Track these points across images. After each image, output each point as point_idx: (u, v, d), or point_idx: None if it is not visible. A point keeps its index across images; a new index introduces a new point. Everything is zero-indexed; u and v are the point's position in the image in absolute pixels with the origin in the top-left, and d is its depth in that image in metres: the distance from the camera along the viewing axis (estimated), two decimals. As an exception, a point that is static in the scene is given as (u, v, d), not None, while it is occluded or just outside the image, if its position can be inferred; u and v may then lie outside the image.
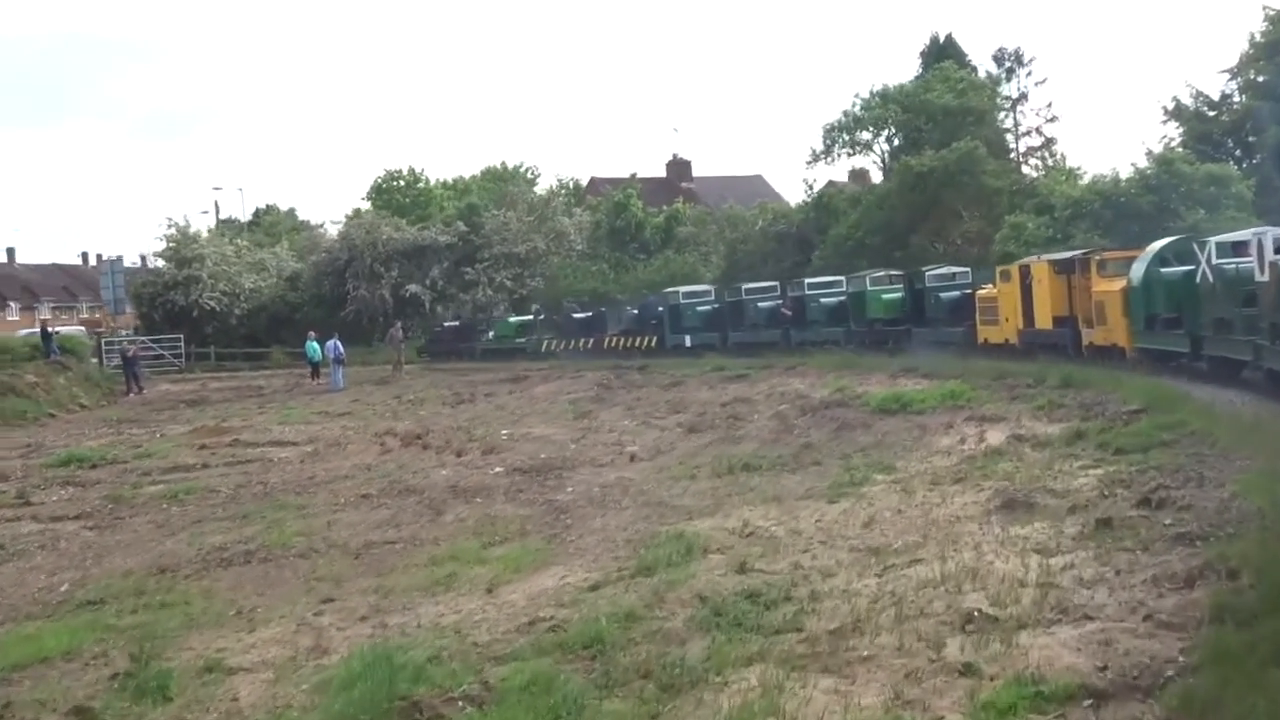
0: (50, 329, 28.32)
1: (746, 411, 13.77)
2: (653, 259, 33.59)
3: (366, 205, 44.79)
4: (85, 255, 64.61)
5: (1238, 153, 26.64)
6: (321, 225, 47.73)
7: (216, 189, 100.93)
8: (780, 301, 24.38)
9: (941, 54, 32.93)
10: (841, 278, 23.47)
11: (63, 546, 8.60)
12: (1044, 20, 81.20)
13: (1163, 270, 13.58)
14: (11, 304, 58.01)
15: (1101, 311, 14.91)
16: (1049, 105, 32.56)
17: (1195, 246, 12.90)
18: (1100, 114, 72.17)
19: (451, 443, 13.14)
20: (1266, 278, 10.20)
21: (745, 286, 26.18)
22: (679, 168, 47.33)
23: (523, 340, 30.31)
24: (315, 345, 27.05)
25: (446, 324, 33.66)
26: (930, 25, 77.01)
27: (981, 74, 32.38)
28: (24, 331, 36.33)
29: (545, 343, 29.16)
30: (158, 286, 37.06)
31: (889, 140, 32.36)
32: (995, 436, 9.60)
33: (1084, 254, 16.38)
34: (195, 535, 8.55)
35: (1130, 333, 14.07)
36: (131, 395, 26.46)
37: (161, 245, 38.07)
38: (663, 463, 10.46)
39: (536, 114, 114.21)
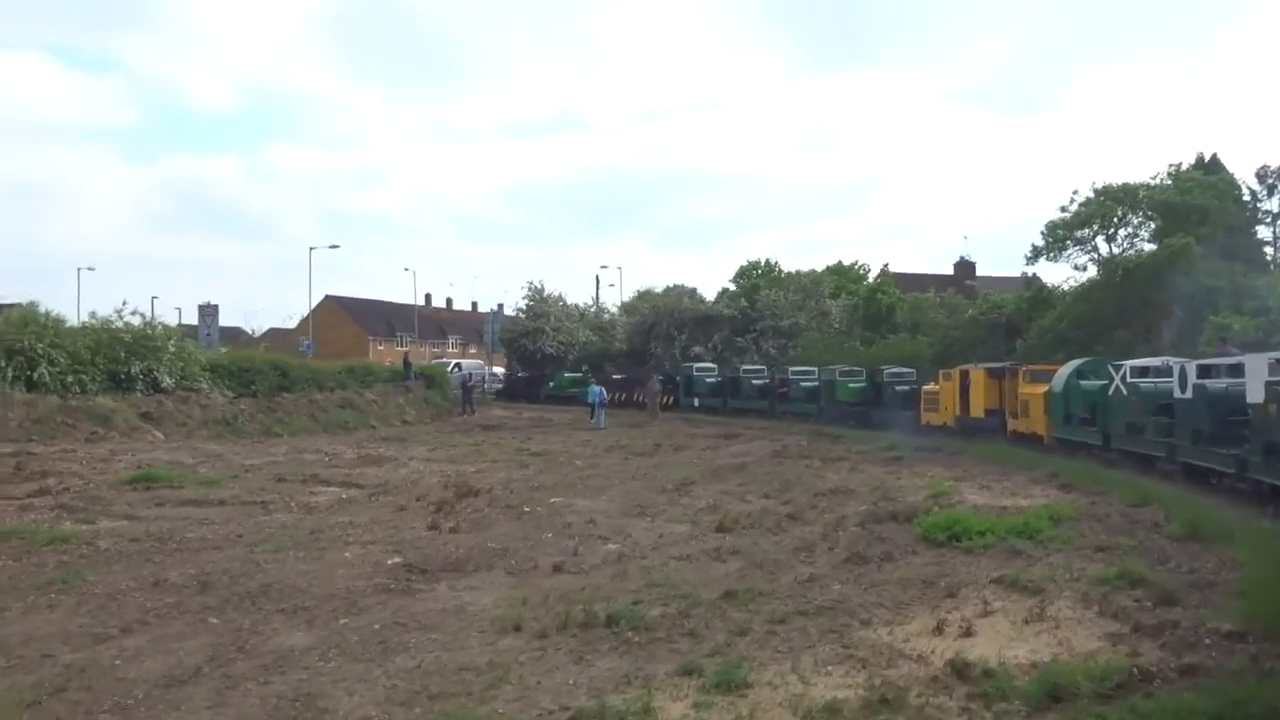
0: (409, 359, 38.78)
1: (830, 505, 12.62)
2: (894, 338, 37.05)
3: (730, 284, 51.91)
4: (474, 304, 79.59)
5: None
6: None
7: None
8: (768, 380, 32.23)
9: (1209, 170, 33.15)
10: (815, 368, 31.14)
11: None
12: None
13: (1080, 381, 17.77)
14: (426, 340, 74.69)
15: (1026, 407, 19.77)
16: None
17: (1110, 367, 17.11)
18: None
19: (463, 505, 12.64)
20: (1189, 395, 13.65)
21: (743, 367, 35.27)
22: (965, 268, 51.55)
23: (575, 390, 38.80)
24: (595, 389, 34.81)
25: (519, 374, 43.26)
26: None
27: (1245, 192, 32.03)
28: (438, 362, 48.61)
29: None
30: (515, 333, 47.89)
31: (1109, 239, 33.12)
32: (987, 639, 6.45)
33: (1012, 365, 21.81)
34: None
35: (1049, 425, 18.64)
36: (465, 416, 35.96)
37: (522, 301, 49.02)
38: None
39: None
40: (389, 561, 9.28)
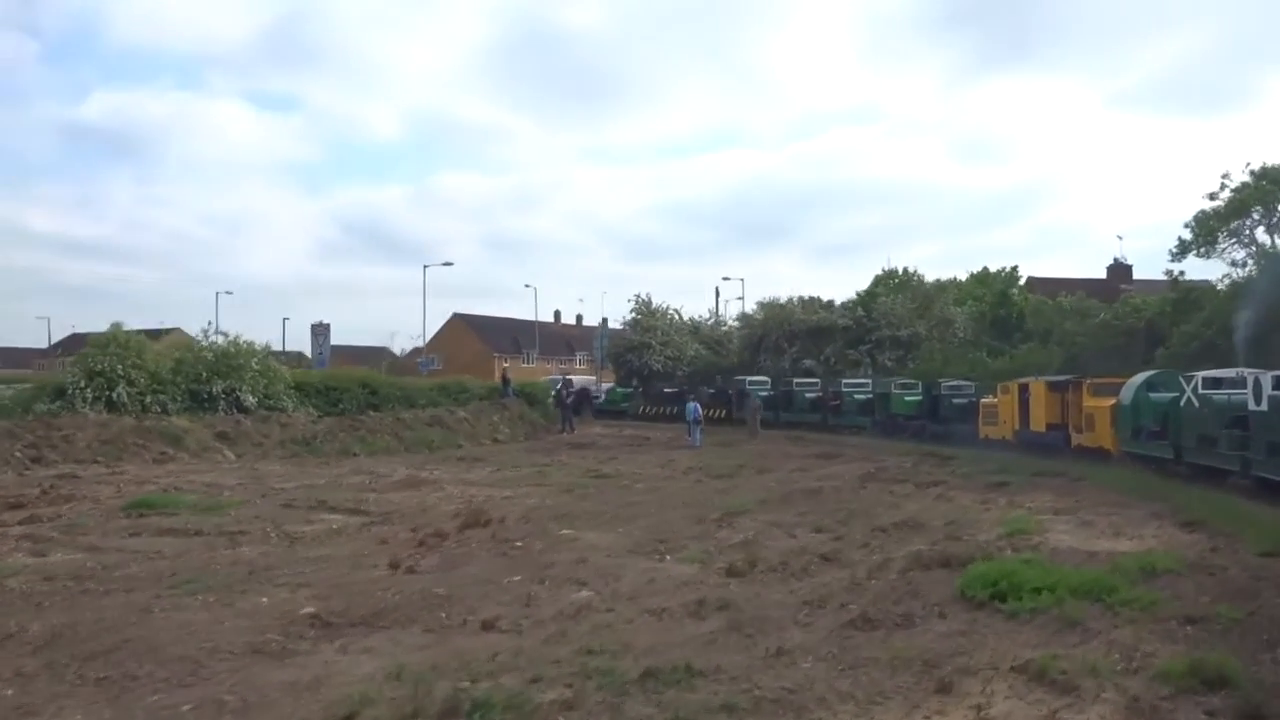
0: (508, 375, 37.96)
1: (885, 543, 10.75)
2: (1026, 347, 33.57)
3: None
4: (579, 317, 78.77)
5: None
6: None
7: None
8: (821, 394, 31.59)
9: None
10: (869, 380, 31.66)
11: None
12: None
13: (1150, 394, 17.53)
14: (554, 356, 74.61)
15: (1091, 421, 19.42)
16: None
17: (1181, 379, 16.61)
18: None
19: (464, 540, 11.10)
20: (1265, 407, 13.18)
21: (795, 380, 35.02)
22: (1119, 272, 45.66)
23: (625, 404, 40.20)
24: (691, 405, 33.04)
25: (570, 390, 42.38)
26: None
27: None
28: (548, 379, 48.05)
29: (641, 407, 39.62)
30: (621, 348, 46.60)
31: (1270, 228, 28.47)
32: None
33: (1076, 378, 20.97)
34: None
35: (1116, 439, 18.31)
36: (563, 433, 34.85)
37: (630, 315, 47.67)
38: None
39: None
40: (301, 610, 7.89)
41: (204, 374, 24.96)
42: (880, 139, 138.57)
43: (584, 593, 8.73)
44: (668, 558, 10.58)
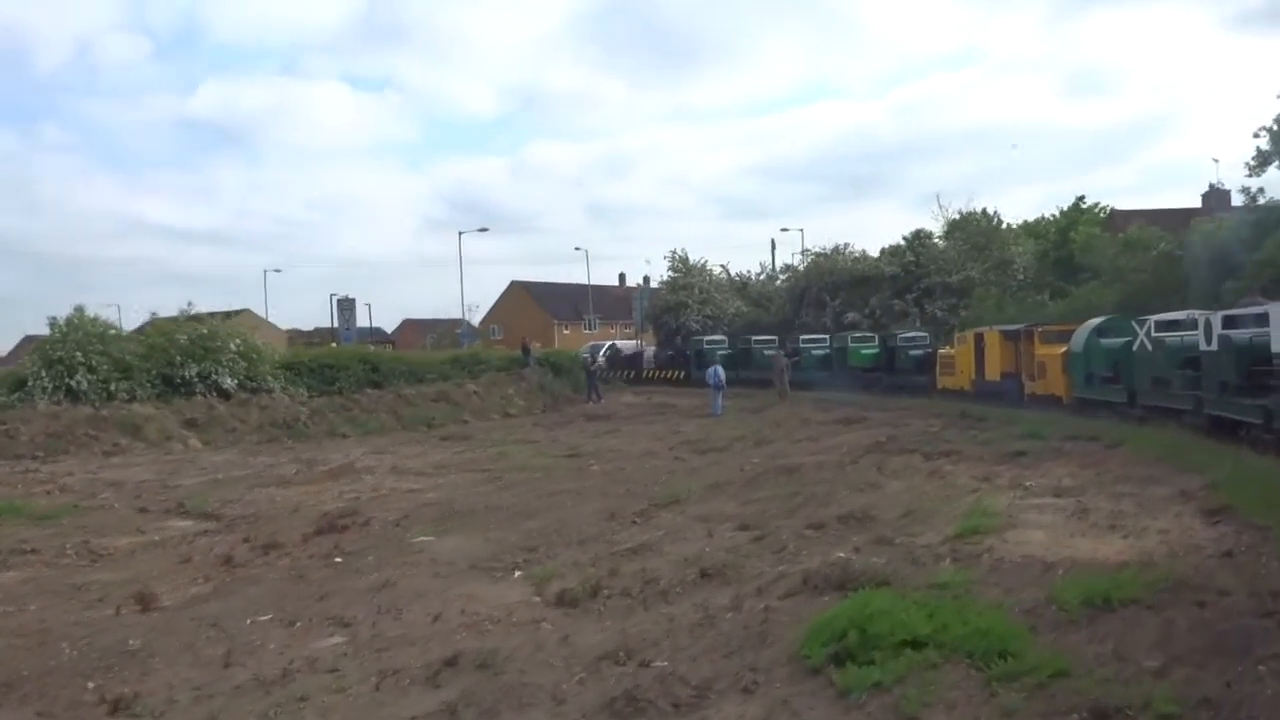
0: (529, 345, 35.89)
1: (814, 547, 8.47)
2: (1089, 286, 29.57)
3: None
4: (622, 277, 75.64)
5: None
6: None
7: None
8: (779, 350, 30.57)
9: None
10: (826, 336, 32.52)
11: None
12: None
13: (1101, 340, 17.68)
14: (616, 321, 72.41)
15: (1043, 369, 19.69)
16: None
17: (1134, 323, 16.55)
18: None
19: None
20: (1215, 347, 13.21)
21: (753, 338, 34.70)
22: (1216, 197, 39.29)
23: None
24: (712, 370, 30.39)
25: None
26: None
27: None
28: (585, 347, 45.60)
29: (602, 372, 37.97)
30: (658, 309, 44.02)
31: None
32: None
33: (1028, 326, 20.99)
34: None
35: (1068, 385, 18.58)
36: (590, 403, 32.68)
37: (666, 273, 45.00)
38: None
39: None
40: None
41: (177, 358, 23.58)
42: (982, 81, 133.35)
43: (333, 639, 6.59)
44: (516, 573, 8.44)
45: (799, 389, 28.35)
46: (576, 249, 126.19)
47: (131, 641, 6.55)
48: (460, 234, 52.66)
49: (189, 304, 26.31)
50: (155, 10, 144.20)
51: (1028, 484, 11.36)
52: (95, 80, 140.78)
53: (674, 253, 44.25)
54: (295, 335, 62.10)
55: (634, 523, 10.63)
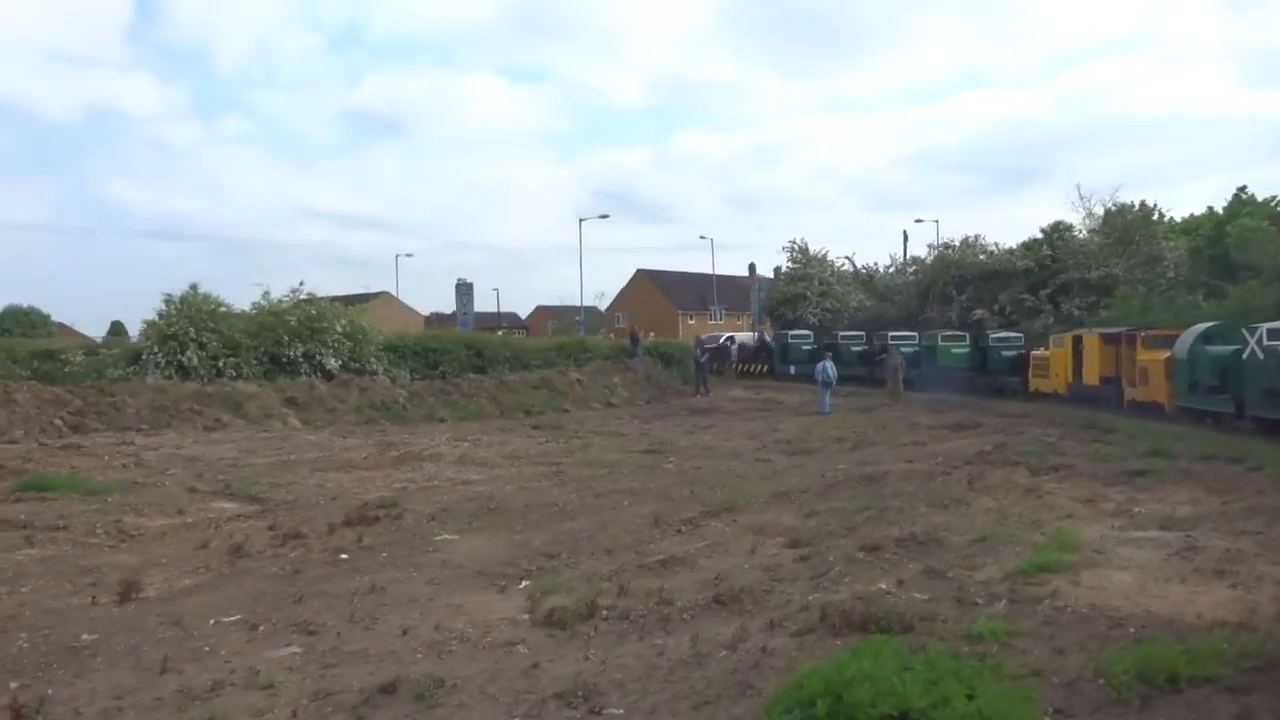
0: (637, 334, 35.18)
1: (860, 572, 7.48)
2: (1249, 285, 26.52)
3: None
4: (752, 267, 73.34)
5: None
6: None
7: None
8: (866, 346, 31.09)
9: None
10: (916, 333, 31.16)
11: None
12: None
13: (1207, 347, 16.98)
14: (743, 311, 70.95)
15: (1145, 375, 18.96)
16: None
17: (1244, 330, 15.87)
18: None
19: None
20: None
21: (841, 333, 34.50)
22: None
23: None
24: (821, 366, 28.96)
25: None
26: None
27: None
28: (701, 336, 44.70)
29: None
30: (775, 300, 42.60)
31: None
32: None
33: (1129, 330, 20.54)
34: None
35: (1171, 393, 17.87)
36: (697, 396, 31.81)
37: (785, 265, 43.46)
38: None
39: None
40: None
41: (285, 337, 24.09)
42: (1153, 68, 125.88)
43: (289, 649, 6.05)
44: (523, 583, 7.76)
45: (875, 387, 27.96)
46: (701, 238, 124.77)
47: (84, 637, 6.20)
48: (581, 221, 52.89)
49: (300, 283, 26.77)
50: (326, 6, 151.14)
51: (1136, 510, 9.92)
52: (272, 74, 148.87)
53: (793, 243, 42.85)
54: (434, 319, 63.63)
55: (678, 531, 9.83)
